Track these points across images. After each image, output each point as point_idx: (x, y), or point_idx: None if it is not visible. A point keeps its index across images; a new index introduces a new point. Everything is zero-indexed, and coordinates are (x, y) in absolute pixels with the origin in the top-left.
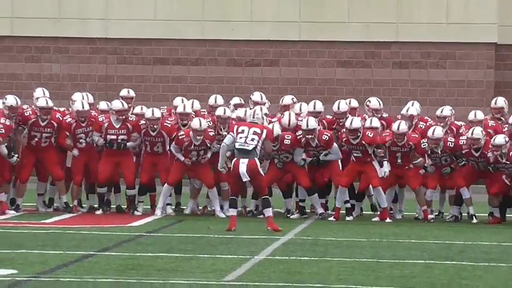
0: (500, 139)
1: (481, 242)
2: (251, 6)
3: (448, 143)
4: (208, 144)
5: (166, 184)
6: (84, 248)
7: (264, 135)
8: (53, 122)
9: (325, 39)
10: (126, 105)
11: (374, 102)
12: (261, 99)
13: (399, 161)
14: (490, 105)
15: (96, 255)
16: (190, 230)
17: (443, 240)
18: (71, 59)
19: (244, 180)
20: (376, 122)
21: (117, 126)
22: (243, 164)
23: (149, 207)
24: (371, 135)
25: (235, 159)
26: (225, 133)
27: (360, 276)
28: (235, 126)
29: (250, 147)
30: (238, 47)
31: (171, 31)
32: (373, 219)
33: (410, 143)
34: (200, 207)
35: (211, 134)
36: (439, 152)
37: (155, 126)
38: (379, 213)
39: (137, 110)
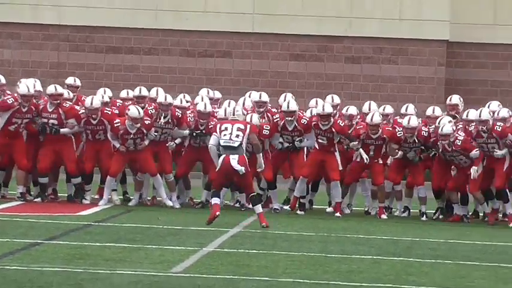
0: (447, 128)
1: (429, 239)
2: None
3: (422, 132)
4: (145, 132)
5: (108, 176)
6: (31, 236)
7: (248, 130)
8: (32, 107)
9: (279, 31)
10: (60, 90)
11: (327, 99)
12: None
13: (371, 153)
14: (440, 102)
15: (43, 243)
16: (139, 220)
17: (391, 236)
18: (22, 45)
19: (241, 174)
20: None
21: (50, 110)
22: (234, 160)
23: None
24: (341, 124)
25: (223, 155)
26: (164, 120)
27: (308, 270)
28: (218, 125)
29: (236, 144)
30: (191, 37)
31: (124, 20)
32: (328, 210)
33: (385, 136)
34: (149, 198)
35: (146, 122)
36: (412, 142)
37: (94, 116)
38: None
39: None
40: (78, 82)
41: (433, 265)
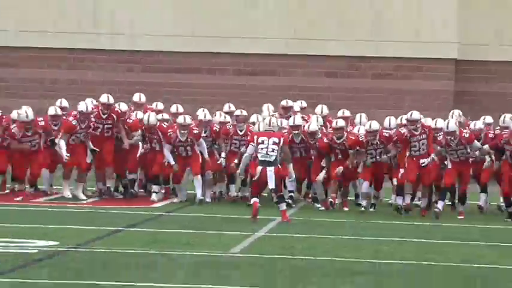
0: (452, 125)
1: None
2: (256, 26)
3: (384, 133)
4: (194, 141)
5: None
6: (115, 224)
7: (281, 143)
8: (112, 114)
9: (316, 53)
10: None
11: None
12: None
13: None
14: (449, 110)
15: (124, 230)
16: (202, 211)
17: (412, 222)
18: (101, 68)
19: (270, 188)
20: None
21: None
22: (271, 172)
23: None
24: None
25: (261, 167)
26: (204, 135)
27: (341, 250)
28: (255, 137)
29: (272, 159)
30: (238, 59)
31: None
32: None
33: (345, 143)
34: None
35: (195, 132)
36: (377, 143)
37: (152, 130)
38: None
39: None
40: (143, 99)
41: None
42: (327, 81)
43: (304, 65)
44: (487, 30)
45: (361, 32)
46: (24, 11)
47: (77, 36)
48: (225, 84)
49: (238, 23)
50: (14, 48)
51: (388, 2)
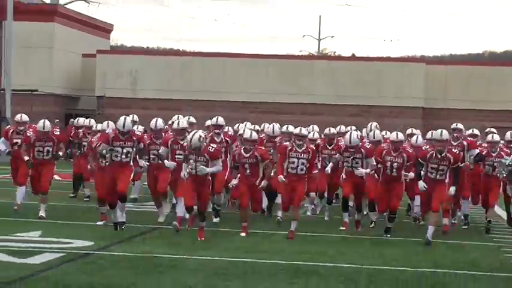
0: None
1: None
2: (313, 87)
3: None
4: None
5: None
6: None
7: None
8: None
9: (345, 103)
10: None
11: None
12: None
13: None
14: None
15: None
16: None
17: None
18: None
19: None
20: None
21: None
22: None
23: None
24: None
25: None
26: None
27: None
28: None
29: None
30: (304, 107)
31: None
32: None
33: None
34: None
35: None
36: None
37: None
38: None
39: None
40: (24, 118)
41: None
42: (351, 119)
43: (339, 110)
44: (440, 91)
45: (370, 91)
46: (168, 78)
47: (208, 93)
48: (296, 121)
49: (303, 86)
50: (153, 100)
51: (386, 75)
